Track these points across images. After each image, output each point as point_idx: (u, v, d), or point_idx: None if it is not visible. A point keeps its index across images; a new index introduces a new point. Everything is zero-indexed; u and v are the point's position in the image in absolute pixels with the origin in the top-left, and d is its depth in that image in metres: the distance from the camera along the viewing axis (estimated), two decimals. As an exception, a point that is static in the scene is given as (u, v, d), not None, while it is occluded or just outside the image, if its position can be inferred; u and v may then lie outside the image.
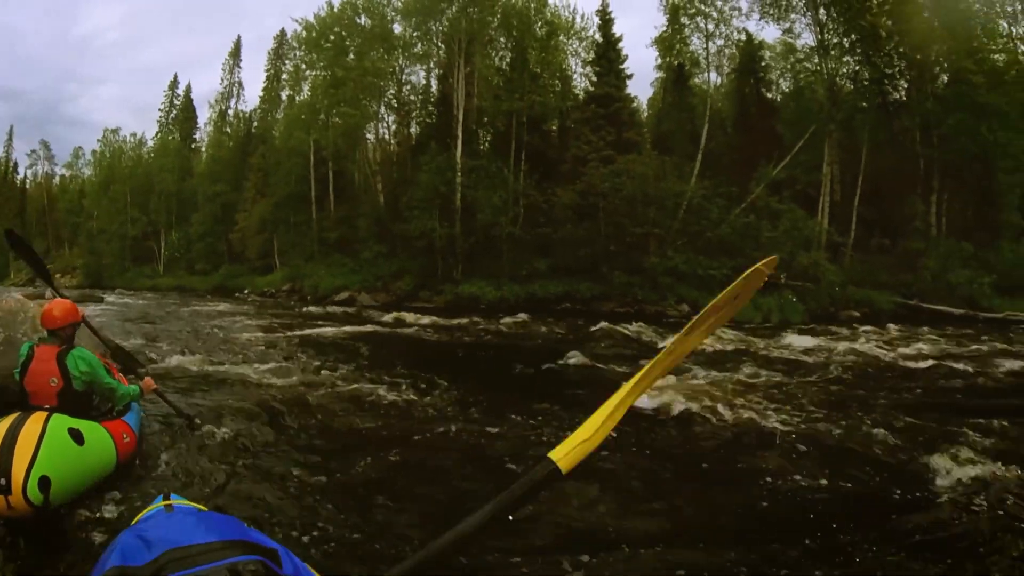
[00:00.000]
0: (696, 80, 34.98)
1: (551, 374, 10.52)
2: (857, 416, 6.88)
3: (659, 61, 36.20)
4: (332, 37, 37.52)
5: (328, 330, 16.31)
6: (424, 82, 39.62)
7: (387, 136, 42.79)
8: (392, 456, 5.29)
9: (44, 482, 3.28)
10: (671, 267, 25.55)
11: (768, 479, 4.89)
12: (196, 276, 48.74)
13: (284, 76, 49.89)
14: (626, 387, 2.13)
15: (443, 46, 35.13)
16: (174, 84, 63.55)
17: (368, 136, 39.32)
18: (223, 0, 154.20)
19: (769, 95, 33.87)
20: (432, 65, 38.04)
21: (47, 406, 3.97)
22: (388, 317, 20.58)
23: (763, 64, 34.22)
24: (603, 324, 17.59)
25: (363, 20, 37.38)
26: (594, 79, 33.01)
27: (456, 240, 30.76)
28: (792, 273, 24.12)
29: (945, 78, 27.83)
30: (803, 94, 30.51)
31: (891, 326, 18.23)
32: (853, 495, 4.66)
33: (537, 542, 3.64)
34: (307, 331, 15.90)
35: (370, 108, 38.05)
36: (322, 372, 9.29)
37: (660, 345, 14.13)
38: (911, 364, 11.49)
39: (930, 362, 11.49)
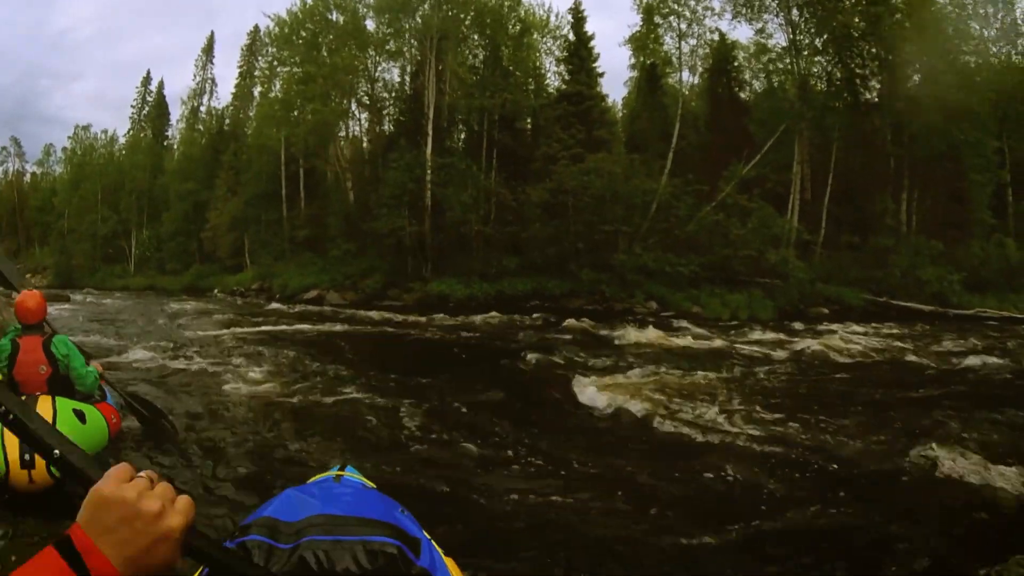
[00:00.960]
0: (669, 80, 34.48)
1: (495, 369, 10.06)
2: (813, 412, 6.62)
3: (633, 60, 35.94)
4: (303, 33, 36.83)
5: (283, 328, 15.88)
6: (399, 80, 38.80)
7: (359, 134, 42.20)
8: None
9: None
10: (639, 264, 25.02)
11: (715, 484, 4.76)
12: (167, 276, 47.78)
13: (257, 73, 48.93)
14: None
15: (415, 43, 34.50)
16: (146, 80, 62.32)
17: (340, 133, 38.55)
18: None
19: (742, 95, 33.47)
20: (405, 62, 37.21)
21: (37, 393, 4.31)
22: (346, 315, 20.22)
23: (735, 64, 33.86)
24: (569, 321, 17.54)
25: (335, 16, 36.72)
26: (567, 77, 32.50)
27: (425, 238, 30.19)
28: (761, 270, 23.76)
29: (917, 78, 27.57)
30: (775, 93, 30.13)
31: (859, 323, 17.89)
32: (800, 495, 4.52)
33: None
34: (260, 329, 15.47)
35: (341, 105, 37.27)
36: (257, 368, 9.11)
37: (617, 341, 13.69)
38: (875, 359, 11.14)
39: (895, 357, 11.18)
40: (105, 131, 61.16)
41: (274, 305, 26.51)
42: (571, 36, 32.45)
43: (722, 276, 24.42)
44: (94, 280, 51.91)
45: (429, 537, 1.39)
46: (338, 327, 16.87)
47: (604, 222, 26.03)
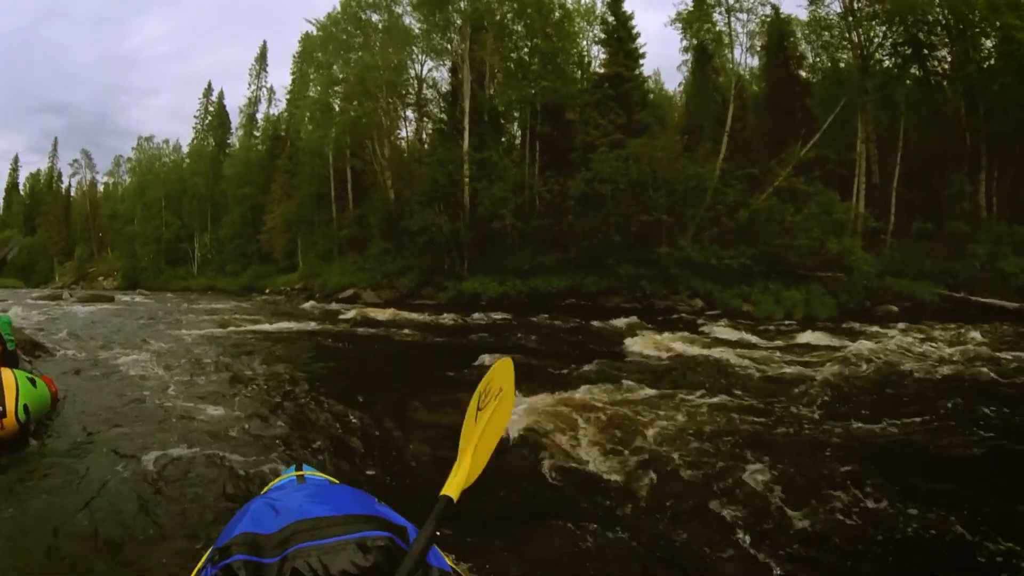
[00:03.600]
0: (721, 60, 30.82)
1: (451, 375, 8.12)
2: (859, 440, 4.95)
3: (686, 43, 32.38)
4: (341, 35, 35.66)
5: (281, 326, 14.58)
6: (442, 76, 36.91)
7: (406, 132, 41.02)
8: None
9: (26, 408, 4.34)
10: (683, 258, 21.83)
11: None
12: (227, 277, 47.59)
13: (295, 76, 48.53)
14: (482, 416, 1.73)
15: (456, 36, 32.15)
16: (208, 91, 62.09)
17: (381, 133, 36.42)
18: (264, 9, 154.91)
19: (802, 73, 29.55)
20: (445, 58, 34.98)
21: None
22: (352, 314, 18.45)
23: (792, 40, 29.79)
24: (592, 322, 14.55)
25: (371, 16, 35.07)
26: (605, 59, 29.56)
27: (459, 235, 27.86)
28: (821, 263, 20.25)
29: (991, 43, 23.45)
30: (836, 67, 26.32)
31: (933, 322, 14.42)
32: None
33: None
34: (255, 327, 14.22)
35: (379, 104, 35.42)
36: (212, 365, 8.35)
37: (624, 345, 10.92)
38: (958, 370, 7.97)
39: (974, 368, 7.99)
40: (167, 141, 61.37)
41: (305, 305, 25.07)
42: (609, 17, 29.24)
43: (777, 270, 20.86)
44: (159, 282, 52.11)
45: (409, 522, 1.30)
46: (326, 327, 15.16)
47: (644, 212, 22.86)
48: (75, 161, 73.84)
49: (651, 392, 6.46)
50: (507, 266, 26.10)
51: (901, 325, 13.83)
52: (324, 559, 1.07)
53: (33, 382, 4.71)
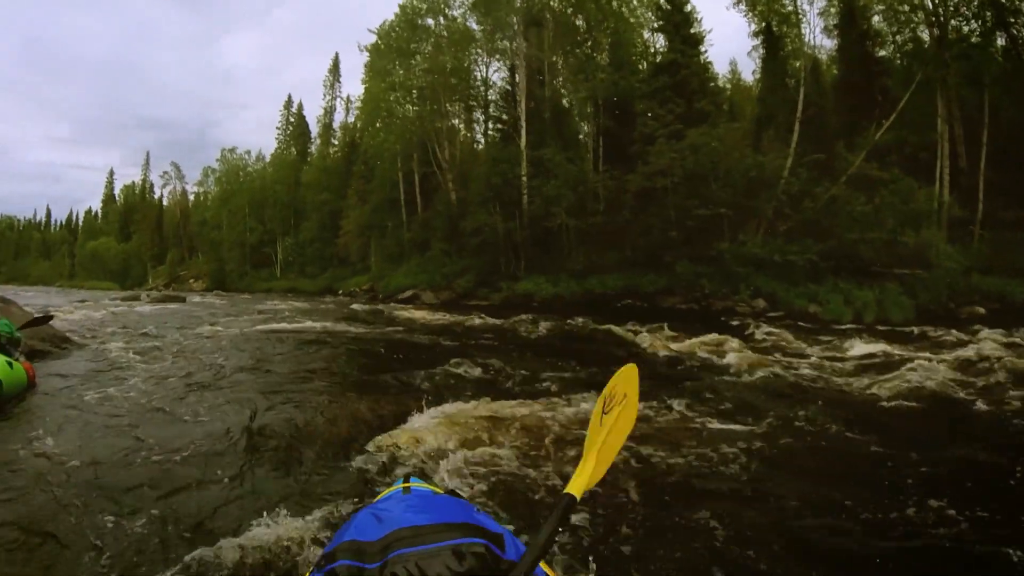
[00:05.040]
0: (792, 40, 28.29)
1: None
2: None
3: (753, 27, 29.89)
4: (399, 43, 35.23)
5: (310, 325, 14.38)
6: (504, 77, 35.68)
7: (470, 135, 40.43)
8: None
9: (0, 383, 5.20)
10: (744, 254, 19.74)
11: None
12: (307, 278, 47.95)
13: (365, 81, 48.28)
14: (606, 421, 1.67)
15: (511, 35, 31.08)
16: (288, 104, 63.51)
17: (442, 136, 35.65)
18: (340, 23, 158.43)
19: (881, 52, 26.73)
20: (503, 59, 34.20)
21: None
22: (402, 313, 18.55)
23: (868, 15, 26.98)
24: (609, 326, 12.55)
25: (427, 21, 34.68)
26: (662, 48, 27.73)
27: (514, 235, 26.63)
28: (899, 258, 17.91)
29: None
30: (912, 40, 23.53)
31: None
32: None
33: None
34: (285, 326, 14.18)
35: (441, 107, 34.87)
36: (207, 362, 8.38)
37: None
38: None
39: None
40: (248, 151, 63.93)
41: (354, 305, 24.89)
42: (664, 3, 27.20)
43: (848, 266, 18.37)
44: (243, 283, 53.65)
45: (508, 530, 1.30)
46: (366, 328, 14.21)
47: (703, 206, 20.87)
48: (165, 173, 77.37)
49: (674, 407, 5.67)
50: (562, 266, 24.70)
51: (988, 331, 11.57)
52: (421, 564, 1.07)
53: (11, 365, 5.64)
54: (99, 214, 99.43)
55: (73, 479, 3.71)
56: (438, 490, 1.79)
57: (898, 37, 24.42)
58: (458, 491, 1.80)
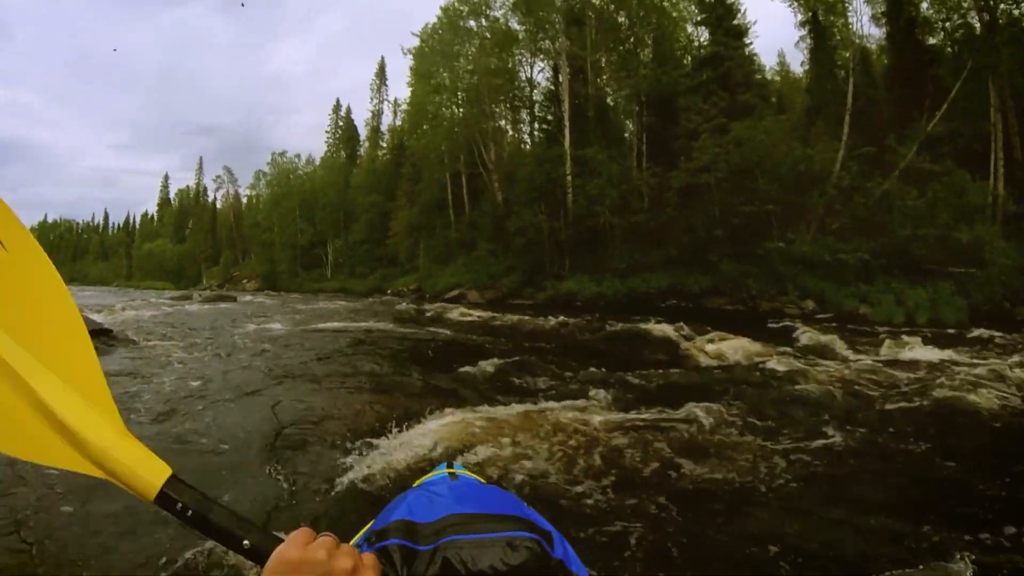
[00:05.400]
0: (839, 30, 27.40)
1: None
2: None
3: (800, 17, 29.01)
4: (442, 45, 35.47)
5: (346, 325, 14.74)
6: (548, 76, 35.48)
7: (515, 135, 40.17)
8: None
9: None
10: (792, 253, 19.23)
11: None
12: (357, 279, 48.43)
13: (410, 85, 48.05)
14: None
15: (557, 30, 30.67)
16: (337, 108, 64.33)
17: (487, 137, 35.72)
18: (387, 27, 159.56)
19: (930, 40, 25.70)
20: (546, 58, 33.83)
21: None
22: (446, 313, 18.61)
23: (916, 2, 25.83)
24: (660, 326, 12.04)
25: (469, 23, 34.72)
26: (704, 41, 27.15)
27: (558, 234, 26.46)
28: (950, 255, 17.17)
29: None
30: (962, 26, 22.53)
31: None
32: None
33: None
34: (322, 325, 14.61)
35: (485, 108, 34.76)
36: (236, 358, 8.86)
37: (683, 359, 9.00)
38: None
39: None
40: (298, 155, 65.22)
41: (400, 305, 24.94)
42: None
43: (900, 265, 17.70)
44: (295, 284, 54.57)
45: (555, 528, 1.22)
46: (406, 327, 14.51)
47: (748, 202, 20.42)
48: (218, 177, 79.67)
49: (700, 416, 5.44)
50: (606, 265, 24.39)
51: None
52: (474, 553, 1.04)
53: None
54: (155, 217, 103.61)
55: None
56: (483, 480, 1.70)
57: (947, 24, 23.49)
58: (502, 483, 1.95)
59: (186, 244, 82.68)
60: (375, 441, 4.62)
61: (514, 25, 33.38)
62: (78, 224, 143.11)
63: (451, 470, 1.75)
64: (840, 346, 10.22)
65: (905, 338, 10.67)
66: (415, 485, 1.60)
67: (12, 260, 1.05)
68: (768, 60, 45.27)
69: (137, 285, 73.06)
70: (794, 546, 3.09)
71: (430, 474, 1.84)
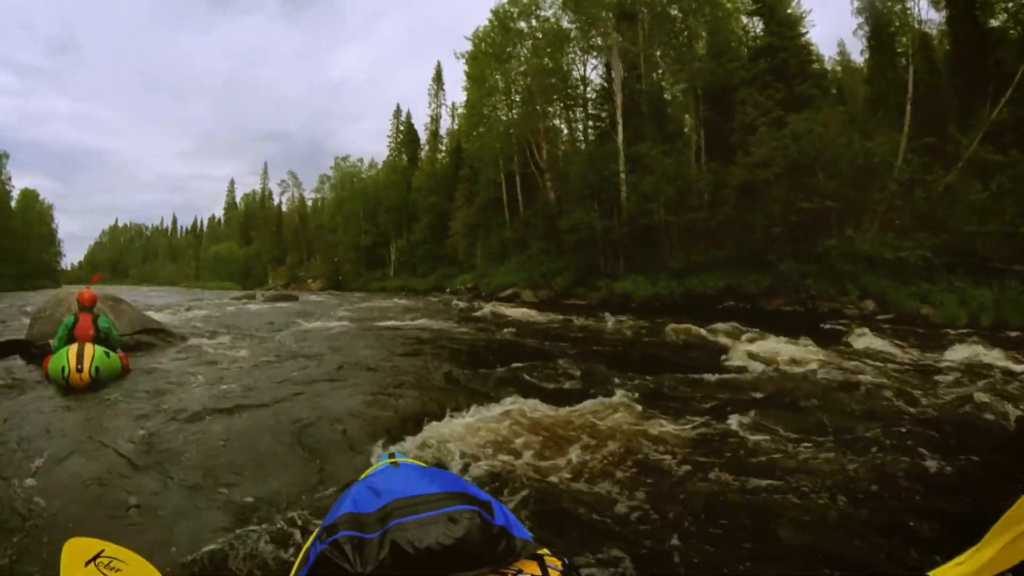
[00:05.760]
0: (900, 15, 26.31)
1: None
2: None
3: (856, 3, 27.94)
4: (492, 47, 35.62)
5: (401, 323, 15.19)
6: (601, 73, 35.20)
7: (571, 133, 39.91)
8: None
9: (97, 370, 6.62)
10: (851, 250, 18.60)
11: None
12: (418, 278, 49.59)
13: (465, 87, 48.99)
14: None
15: (608, 26, 30.22)
16: (397, 112, 65.07)
17: (539, 136, 35.50)
18: (444, 32, 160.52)
19: (992, 22, 24.44)
20: (599, 55, 33.60)
21: (86, 341, 6.96)
22: (498, 311, 18.89)
23: None
24: (714, 326, 12.04)
25: (521, 24, 34.53)
26: (758, 32, 26.57)
27: (612, 232, 26.25)
28: (1018, 252, 16.16)
29: None
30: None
31: None
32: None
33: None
34: (379, 323, 15.03)
35: (537, 107, 34.81)
36: (297, 357, 9.12)
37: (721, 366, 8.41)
38: None
39: None
40: (360, 159, 68.49)
41: (455, 302, 25.89)
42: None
43: (965, 262, 16.87)
44: (358, 283, 56.90)
45: (494, 498, 1.39)
46: (455, 325, 14.96)
47: (807, 198, 19.85)
48: (283, 181, 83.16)
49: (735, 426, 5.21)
50: (661, 265, 24.07)
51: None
52: (419, 532, 1.17)
53: (108, 354, 6.98)
54: (222, 220, 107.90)
55: (132, 442, 4.68)
56: (424, 463, 1.90)
57: (1010, 4, 22.43)
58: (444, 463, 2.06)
59: (252, 246, 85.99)
60: (402, 436, 4.77)
61: (565, 24, 33.09)
62: (147, 228, 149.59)
63: (393, 460, 1.96)
64: (896, 349, 9.89)
65: (967, 341, 10.30)
66: (361, 478, 1.79)
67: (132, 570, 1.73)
68: (829, 50, 44.09)
69: (204, 285, 77.21)
70: (826, 562, 3.00)
71: (373, 466, 2.06)
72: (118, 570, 1.81)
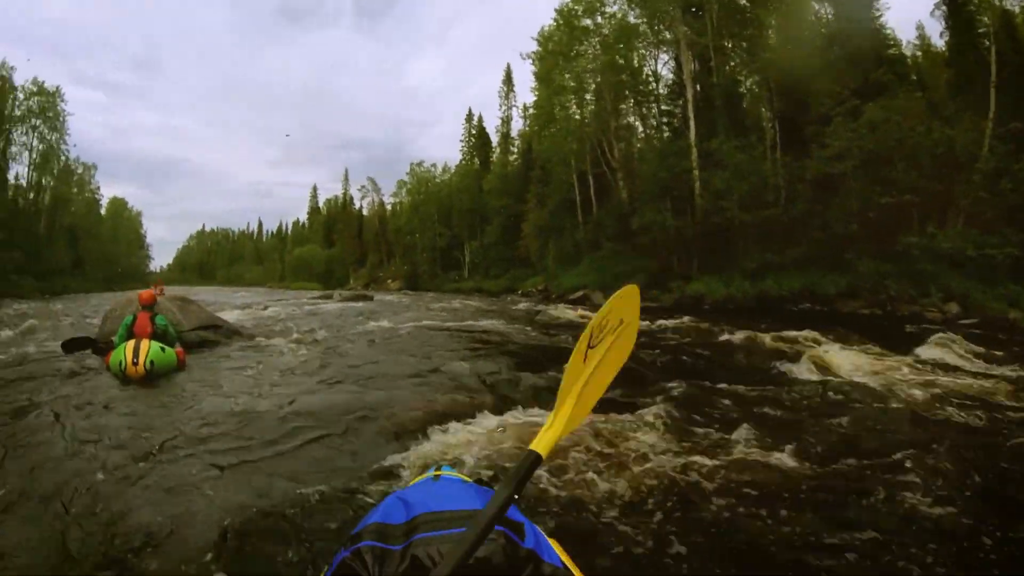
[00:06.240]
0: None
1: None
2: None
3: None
4: (559, 47, 35.21)
5: (469, 324, 14.77)
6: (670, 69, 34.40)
7: (644, 131, 38.55)
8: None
9: (152, 363, 7.04)
10: (932, 248, 17.67)
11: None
12: (491, 279, 49.59)
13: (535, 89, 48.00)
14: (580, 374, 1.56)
15: (675, 19, 29.55)
16: (469, 117, 66.84)
17: (609, 133, 34.94)
18: (514, 35, 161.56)
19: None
20: (669, 49, 32.72)
21: (144, 338, 7.55)
22: (562, 314, 18.18)
23: None
24: (787, 333, 10.75)
25: (587, 22, 34.07)
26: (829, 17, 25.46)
27: (685, 232, 25.58)
28: None
29: None
30: None
31: None
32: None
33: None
34: (445, 324, 14.57)
35: (607, 105, 34.25)
36: (362, 356, 8.99)
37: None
38: None
39: None
40: (434, 164, 70.21)
41: (519, 304, 25.62)
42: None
43: None
44: (434, 284, 57.79)
45: (528, 519, 1.33)
46: (515, 327, 14.27)
47: (885, 192, 18.95)
48: (363, 186, 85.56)
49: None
50: (736, 265, 23.33)
51: None
52: (442, 549, 1.13)
53: (163, 349, 7.38)
54: (305, 224, 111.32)
55: (172, 428, 4.98)
56: (467, 479, 1.83)
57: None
58: (486, 480, 1.98)
59: (334, 248, 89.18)
60: (436, 440, 4.75)
61: (631, 19, 32.53)
62: (234, 232, 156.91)
63: (437, 472, 1.91)
64: (976, 359, 8.87)
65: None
66: (401, 489, 1.72)
67: None
68: (906, 34, 42.05)
69: (288, 286, 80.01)
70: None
71: (417, 478, 2.01)
72: None
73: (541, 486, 3.73)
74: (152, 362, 7.04)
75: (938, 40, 29.73)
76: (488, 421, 5.23)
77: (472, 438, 4.72)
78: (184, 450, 4.39)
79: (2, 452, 4.34)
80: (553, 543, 1.36)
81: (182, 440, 4.60)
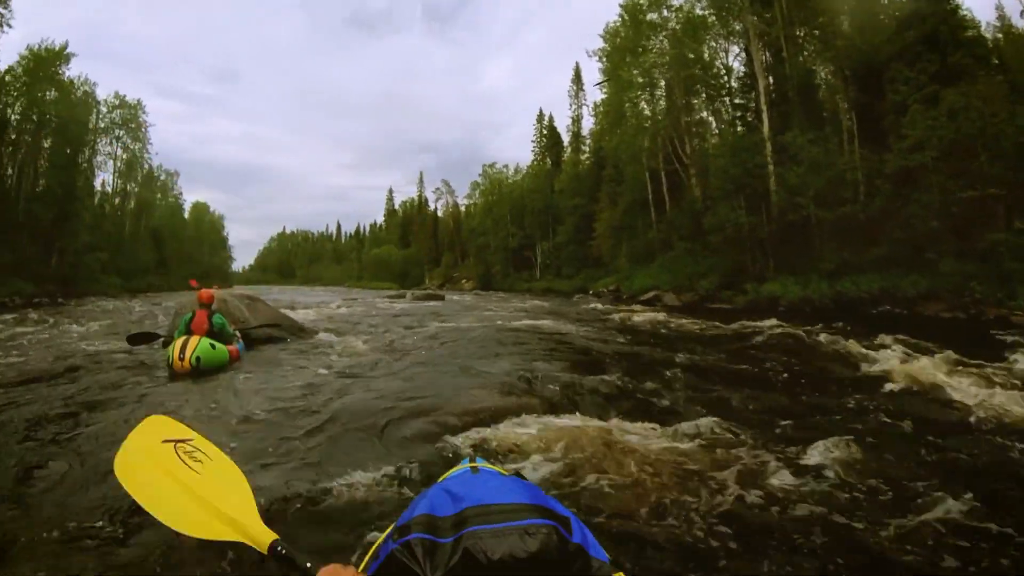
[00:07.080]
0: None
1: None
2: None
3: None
4: (625, 43, 35.19)
5: (538, 322, 14.90)
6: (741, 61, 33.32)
7: (719, 126, 37.50)
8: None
9: (198, 359, 7.52)
10: (1021, 245, 16.64)
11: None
12: (563, 279, 49.78)
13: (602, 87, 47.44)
14: None
15: (743, 9, 29.11)
16: (540, 117, 67.19)
17: (681, 130, 34.45)
18: (582, 34, 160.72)
19: None
20: (738, 41, 31.92)
21: (199, 335, 8.00)
22: (632, 315, 17.60)
23: None
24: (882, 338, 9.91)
25: (652, 16, 33.79)
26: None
27: (759, 230, 24.87)
28: None
29: None
30: None
31: None
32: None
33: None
34: (508, 324, 14.35)
35: (680, 101, 33.72)
36: (423, 355, 9.15)
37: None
38: None
39: None
40: (506, 165, 70.87)
41: (589, 305, 25.28)
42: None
43: None
44: (506, 284, 58.81)
45: (573, 513, 1.37)
46: (581, 328, 13.79)
47: (968, 185, 17.93)
48: (437, 188, 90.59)
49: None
50: (812, 265, 22.53)
51: None
52: (493, 542, 1.13)
53: (213, 346, 7.84)
54: (382, 226, 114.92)
55: (205, 417, 5.37)
56: (505, 471, 1.84)
57: None
58: (522, 473, 2.13)
59: (410, 249, 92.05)
60: (483, 437, 4.72)
61: (699, 11, 32.06)
62: (313, 234, 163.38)
63: (473, 464, 1.95)
64: None
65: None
66: (439, 480, 1.80)
67: (214, 465, 1.93)
68: (986, 16, 39.82)
69: (365, 285, 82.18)
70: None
71: (453, 469, 2.04)
72: (198, 460, 1.93)
73: (594, 487, 3.69)
74: (198, 358, 7.54)
75: (1019, 20, 27.99)
76: (537, 422, 5.13)
77: (520, 439, 4.65)
78: (216, 438, 4.19)
79: (25, 435, 4.73)
80: (597, 540, 1.38)
81: (219, 428, 4.90)
